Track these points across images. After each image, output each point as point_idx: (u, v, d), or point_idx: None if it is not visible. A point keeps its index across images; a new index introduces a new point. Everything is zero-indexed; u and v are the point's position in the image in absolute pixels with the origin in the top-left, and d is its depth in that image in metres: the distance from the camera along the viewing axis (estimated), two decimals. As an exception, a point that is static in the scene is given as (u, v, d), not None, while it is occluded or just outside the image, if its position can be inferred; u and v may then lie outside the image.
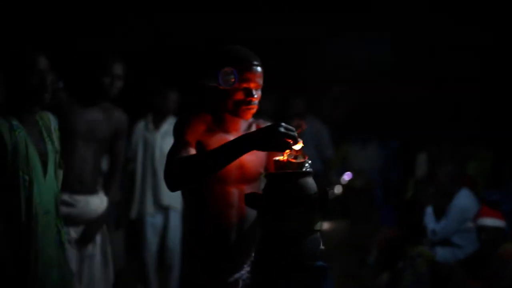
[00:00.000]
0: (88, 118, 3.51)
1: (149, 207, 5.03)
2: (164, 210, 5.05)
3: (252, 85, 2.44)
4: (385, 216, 6.42)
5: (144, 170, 5.04)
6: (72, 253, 3.40)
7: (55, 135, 2.83)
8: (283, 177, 2.32)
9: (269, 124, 2.37)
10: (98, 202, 3.55)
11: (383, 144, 7.44)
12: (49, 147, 2.77)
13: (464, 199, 4.88)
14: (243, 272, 2.54)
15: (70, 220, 3.39)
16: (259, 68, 2.45)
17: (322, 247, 2.36)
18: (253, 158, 2.50)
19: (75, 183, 3.45)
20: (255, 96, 2.45)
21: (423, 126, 7.38)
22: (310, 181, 2.34)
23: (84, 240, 3.49)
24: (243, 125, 2.57)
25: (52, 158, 2.77)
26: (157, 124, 5.11)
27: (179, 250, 5.11)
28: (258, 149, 2.25)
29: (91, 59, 3.54)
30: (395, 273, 4.95)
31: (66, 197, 3.37)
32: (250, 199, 2.35)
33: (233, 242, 2.49)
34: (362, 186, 7.01)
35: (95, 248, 3.56)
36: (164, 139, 5.05)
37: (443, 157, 5.69)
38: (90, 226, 3.50)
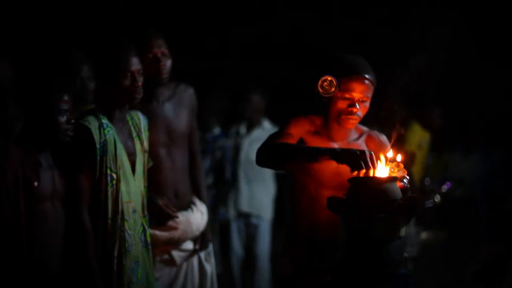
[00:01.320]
0: (161, 116, 3.05)
1: (232, 211, 5.11)
2: (245, 216, 5.10)
3: (356, 96, 2.44)
4: (489, 229, 6.15)
5: (230, 175, 5.11)
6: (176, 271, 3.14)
7: (145, 135, 2.86)
8: (366, 182, 2.26)
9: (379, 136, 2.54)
10: (199, 218, 3.18)
11: (488, 152, 7.14)
12: (138, 146, 2.81)
13: None
14: None
15: (173, 243, 3.09)
16: (366, 81, 2.44)
17: (405, 254, 2.29)
18: None
19: (171, 201, 3.08)
20: (357, 107, 2.44)
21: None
22: (395, 187, 2.27)
23: (188, 257, 3.19)
24: (352, 135, 2.56)
25: (140, 157, 2.81)
26: (250, 129, 5.13)
27: (266, 256, 5.12)
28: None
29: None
30: (493, 284, 4.74)
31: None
32: (333, 203, 2.31)
33: (327, 243, 2.46)
34: (462, 196, 6.78)
35: (206, 263, 3.27)
36: (252, 145, 5.04)
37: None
38: (201, 238, 3.20)
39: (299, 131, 2.48)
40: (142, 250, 2.79)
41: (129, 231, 2.70)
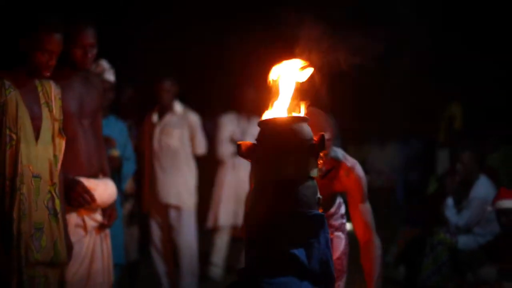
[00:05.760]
0: (75, 93, 3.14)
1: (153, 202, 4.91)
2: (164, 207, 4.88)
3: None
4: (408, 216, 6.29)
5: (148, 164, 4.93)
6: (92, 241, 3.14)
7: (56, 103, 2.83)
8: (274, 123, 2.23)
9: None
10: (112, 186, 3.25)
11: (403, 144, 7.34)
12: (45, 113, 2.77)
13: (483, 189, 4.75)
14: None
15: (89, 207, 3.09)
16: None
17: (319, 195, 2.25)
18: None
19: (89, 168, 3.13)
20: None
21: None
22: (305, 126, 2.24)
23: (104, 226, 3.19)
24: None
25: (47, 124, 2.77)
26: (161, 116, 4.93)
27: (191, 250, 4.92)
28: None
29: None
30: (413, 264, 4.81)
31: (85, 182, 3.06)
32: (243, 148, 2.26)
33: None
34: (382, 186, 6.93)
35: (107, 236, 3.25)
36: (163, 131, 4.89)
37: (463, 150, 5.54)
38: (109, 212, 3.20)
39: None
40: (49, 218, 2.73)
41: (27, 196, 2.65)
